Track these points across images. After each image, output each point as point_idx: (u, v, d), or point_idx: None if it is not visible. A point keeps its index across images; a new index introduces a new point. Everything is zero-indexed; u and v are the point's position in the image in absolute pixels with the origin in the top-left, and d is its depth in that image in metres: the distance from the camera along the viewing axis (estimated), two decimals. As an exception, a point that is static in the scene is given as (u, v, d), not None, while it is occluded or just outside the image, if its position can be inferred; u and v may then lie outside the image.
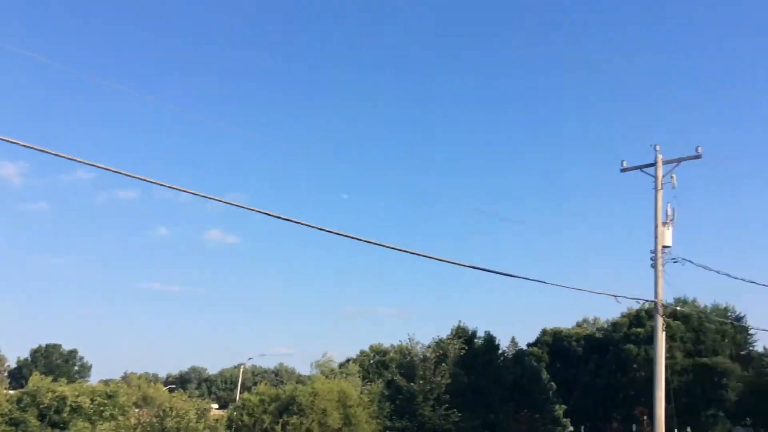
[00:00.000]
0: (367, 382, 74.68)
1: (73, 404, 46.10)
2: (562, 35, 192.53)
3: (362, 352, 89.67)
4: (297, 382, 71.82)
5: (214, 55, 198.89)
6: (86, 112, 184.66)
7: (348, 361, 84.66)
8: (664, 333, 28.44)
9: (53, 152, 12.27)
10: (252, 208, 15.61)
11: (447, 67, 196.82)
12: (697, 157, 27.34)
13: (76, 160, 12.83)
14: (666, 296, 27.92)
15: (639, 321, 72.10)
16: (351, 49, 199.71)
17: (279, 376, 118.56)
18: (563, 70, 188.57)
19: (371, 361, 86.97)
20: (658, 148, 27.54)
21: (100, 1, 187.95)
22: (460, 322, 66.60)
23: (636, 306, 69.90)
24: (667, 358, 28.94)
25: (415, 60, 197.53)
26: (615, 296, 26.31)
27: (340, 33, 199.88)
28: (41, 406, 45.76)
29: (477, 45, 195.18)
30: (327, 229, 16.38)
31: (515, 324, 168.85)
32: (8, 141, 11.45)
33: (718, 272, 29.25)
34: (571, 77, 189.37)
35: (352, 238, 16.81)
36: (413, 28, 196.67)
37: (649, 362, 64.11)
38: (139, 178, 13.46)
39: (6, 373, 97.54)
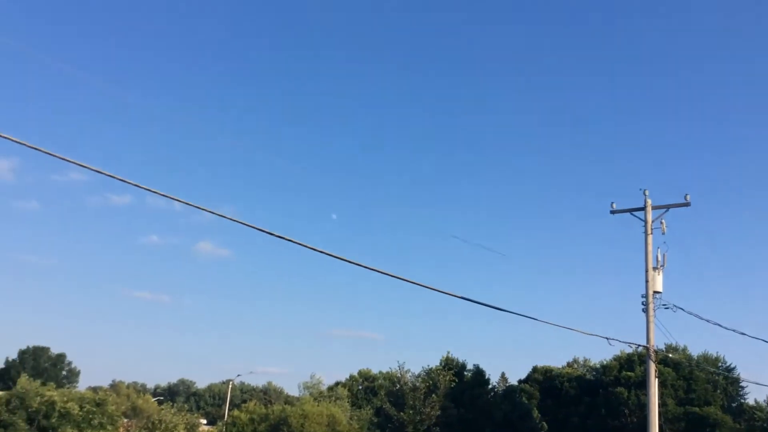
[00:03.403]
0: (356, 407, 74.53)
1: (61, 410, 46.04)
2: (553, 78, 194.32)
3: (351, 377, 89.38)
4: (285, 403, 71.40)
5: (213, 63, 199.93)
6: (82, 112, 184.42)
7: (337, 384, 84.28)
8: (657, 380, 28.44)
9: (45, 151, 11.95)
10: (244, 222, 15.13)
11: (444, 95, 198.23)
12: (686, 204, 27.71)
13: (69, 161, 12.36)
14: (657, 342, 27.86)
15: (630, 365, 71.70)
16: (347, 60, 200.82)
17: (267, 394, 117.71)
18: (554, 110, 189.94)
19: (360, 387, 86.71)
20: (646, 192, 27.84)
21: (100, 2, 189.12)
22: (448, 352, 67.34)
23: (628, 350, 69.43)
24: (659, 405, 28.84)
25: (412, 76, 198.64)
26: (607, 339, 26.33)
27: (337, 45, 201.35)
28: (30, 410, 45.72)
29: (474, 82, 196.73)
30: (318, 249, 15.90)
31: (503, 359, 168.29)
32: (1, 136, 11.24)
33: (708, 321, 29.44)
34: (562, 117, 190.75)
35: (341, 259, 16.46)
36: (412, 39, 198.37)
37: (641, 407, 64.27)
38: (131, 184, 13.16)
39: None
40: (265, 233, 15.12)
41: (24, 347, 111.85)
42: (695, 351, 78.04)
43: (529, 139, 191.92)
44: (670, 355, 63.40)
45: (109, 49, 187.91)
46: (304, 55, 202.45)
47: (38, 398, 46.25)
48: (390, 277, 17.61)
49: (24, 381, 51.41)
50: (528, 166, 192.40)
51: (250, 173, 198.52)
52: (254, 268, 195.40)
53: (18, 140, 11.51)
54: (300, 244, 15.66)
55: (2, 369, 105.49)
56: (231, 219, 15.39)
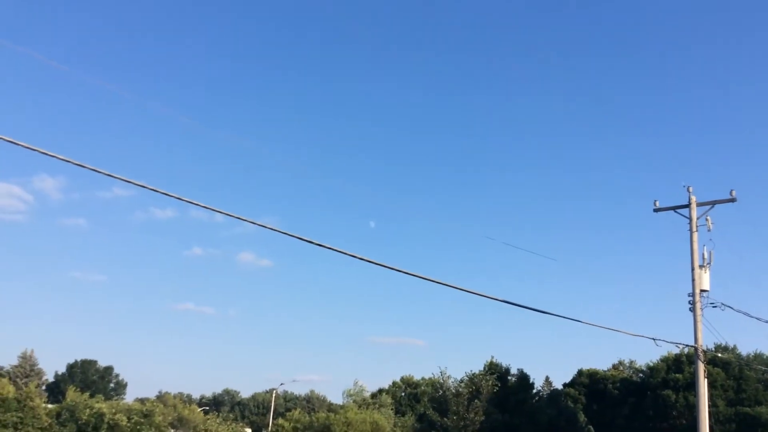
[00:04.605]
0: (399, 414, 74.41)
1: (110, 421, 46.86)
2: (595, 69, 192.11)
3: (394, 383, 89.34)
4: (328, 410, 71.70)
5: (250, 77, 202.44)
6: (124, 130, 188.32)
7: (380, 391, 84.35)
8: (706, 380, 27.93)
9: (91, 167, 12.19)
10: (284, 231, 15.25)
11: (478, 94, 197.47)
12: (732, 200, 27.34)
13: (113, 177, 12.58)
14: (705, 341, 27.48)
15: (678, 366, 70.32)
16: (383, 72, 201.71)
17: (310, 402, 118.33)
18: (596, 106, 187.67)
19: (403, 393, 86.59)
20: (690, 189, 27.56)
21: (140, 21, 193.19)
22: (492, 357, 66.17)
23: (675, 350, 67.51)
24: (709, 406, 28.25)
25: (448, 83, 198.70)
26: (654, 339, 26.41)
27: (374, 57, 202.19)
28: (79, 422, 46.65)
29: (509, 75, 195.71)
30: (359, 256, 16.00)
31: (548, 362, 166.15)
32: (46, 154, 11.45)
33: (758, 319, 29.02)
34: (604, 113, 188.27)
35: (382, 266, 16.58)
36: (446, 49, 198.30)
37: (690, 409, 63.07)
38: (174, 197, 13.38)
39: (44, 387, 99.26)
40: (305, 242, 15.25)
41: (72, 361, 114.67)
42: (745, 350, 76.44)
43: (569, 139, 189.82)
44: (719, 355, 61.98)
45: (146, 65, 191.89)
46: (342, 72, 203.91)
47: (87, 410, 47.15)
48: (431, 282, 17.81)
49: (73, 394, 52.54)
50: (568, 165, 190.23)
51: (289, 184, 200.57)
52: (295, 278, 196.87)
53: (64, 158, 11.74)
54: (339, 251, 15.78)
55: (52, 383, 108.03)
56: (272, 229, 15.61)
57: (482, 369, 64.35)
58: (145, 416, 49.45)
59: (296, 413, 61.62)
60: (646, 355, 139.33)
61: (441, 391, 62.64)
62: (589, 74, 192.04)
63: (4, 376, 67.52)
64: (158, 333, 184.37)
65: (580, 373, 79.41)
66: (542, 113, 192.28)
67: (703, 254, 27.26)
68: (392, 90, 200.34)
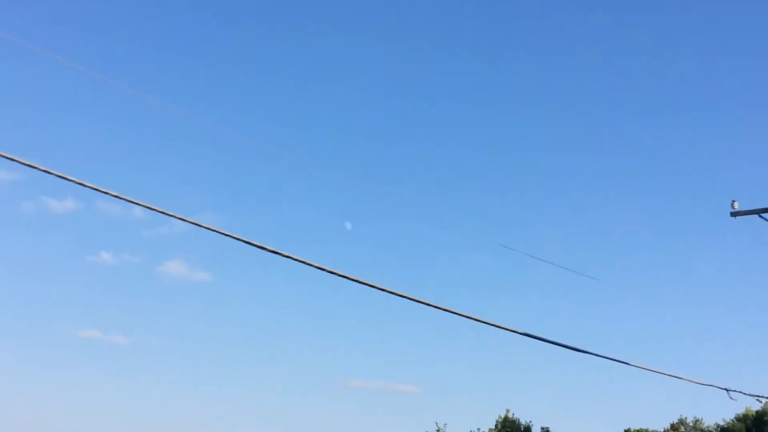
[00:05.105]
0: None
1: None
2: (670, 67, 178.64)
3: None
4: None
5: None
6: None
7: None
8: (796, 445, 22.55)
9: None
10: (228, 233, 12.51)
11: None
12: None
13: None
14: (800, 393, 25.60)
15: (760, 427, 60.91)
16: (362, 65, 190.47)
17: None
18: (668, 97, 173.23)
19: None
20: None
21: None
22: (507, 410, 61.61)
23: (756, 405, 58.68)
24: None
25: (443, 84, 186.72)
26: (727, 390, 23.17)
27: (349, 50, 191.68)
28: None
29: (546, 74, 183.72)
30: (329, 269, 13.04)
31: (583, 417, 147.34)
32: None
33: None
34: (665, 104, 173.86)
35: (360, 282, 13.42)
36: (439, 48, 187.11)
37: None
38: (76, 182, 11.34)
39: None
40: (255, 248, 12.70)
41: None
42: None
43: (623, 131, 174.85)
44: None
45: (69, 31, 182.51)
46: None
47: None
48: (424, 305, 14.53)
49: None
50: (618, 156, 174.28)
51: (235, 172, 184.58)
52: (242, 297, 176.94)
53: None
54: (303, 262, 12.97)
55: None
56: (211, 229, 12.90)
57: (494, 426, 60.82)
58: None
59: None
60: (716, 411, 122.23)
61: (440, 455, 59.63)
62: (665, 69, 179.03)
63: None
64: (49, 368, 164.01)
65: (627, 433, 70.30)
66: (596, 104, 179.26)
67: (796, 271, 17.79)
68: (373, 80, 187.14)
